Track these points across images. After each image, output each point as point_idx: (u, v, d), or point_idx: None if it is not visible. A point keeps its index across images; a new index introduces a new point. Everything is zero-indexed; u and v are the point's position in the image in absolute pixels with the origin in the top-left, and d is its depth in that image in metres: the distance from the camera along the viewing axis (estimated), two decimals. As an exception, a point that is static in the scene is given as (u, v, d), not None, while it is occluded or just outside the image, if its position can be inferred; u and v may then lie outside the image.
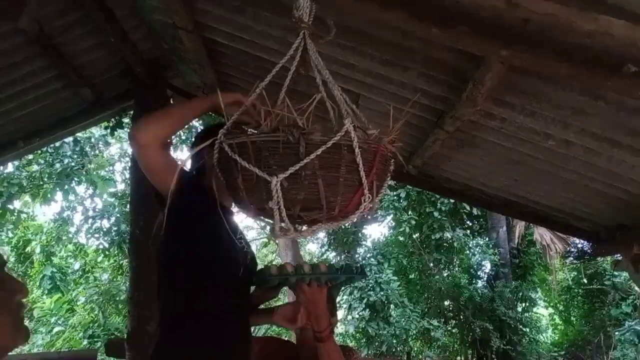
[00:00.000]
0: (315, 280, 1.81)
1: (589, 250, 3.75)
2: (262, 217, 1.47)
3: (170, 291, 1.78)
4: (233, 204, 1.52)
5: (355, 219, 1.49)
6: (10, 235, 11.31)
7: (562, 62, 1.45)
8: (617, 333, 9.74)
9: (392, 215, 10.88)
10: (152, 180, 1.73)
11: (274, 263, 2.52)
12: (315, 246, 12.82)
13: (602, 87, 1.61)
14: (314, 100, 1.45)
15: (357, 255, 11.16)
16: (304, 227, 1.44)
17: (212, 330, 1.73)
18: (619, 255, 3.63)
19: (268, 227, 1.50)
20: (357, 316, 10.04)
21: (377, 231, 19.65)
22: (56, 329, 10.63)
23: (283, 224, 1.38)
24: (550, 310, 12.99)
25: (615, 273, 9.55)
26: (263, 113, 1.42)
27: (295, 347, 2.20)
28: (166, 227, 1.74)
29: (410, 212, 10.42)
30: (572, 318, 12.05)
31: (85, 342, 10.07)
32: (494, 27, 1.48)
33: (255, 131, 1.39)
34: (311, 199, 1.36)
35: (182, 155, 8.96)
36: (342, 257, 11.13)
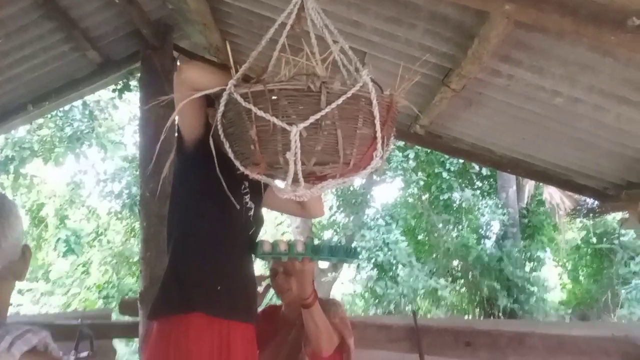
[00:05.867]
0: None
1: (596, 208, 3.75)
2: (270, 174, 1.44)
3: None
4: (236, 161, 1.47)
5: (365, 175, 1.50)
6: (25, 199, 11.48)
7: (566, 17, 1.43)
8: (624, 291, 9.80)
9: (400, 177, 10.88)
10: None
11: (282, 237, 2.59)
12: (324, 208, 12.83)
13: (608, 43, 1.59)
14: (331, 52, 1.45)
15: (365, 217, 11.22)
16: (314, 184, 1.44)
17: (223, 255, 1.83)
18: (626, 212, 3.63)
19: (275, 184, 1.51)
20: (365, 276, 10.18)
21: (385, 193, 19.81)
22: (72, 291, 10.91)
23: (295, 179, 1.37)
24: (559, 269, 13.04)
25: (623, 232, 9.56)
26: (284, 61, 1.41)
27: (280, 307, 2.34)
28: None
29: (419, 173, 10.41)
30: (580, 277, 12.08)
31: (100, 302, 10.36)
32: (498, -19, 1.47)
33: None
34: (328, 151, 1.36)
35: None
36: (351, 218, 11.19)
